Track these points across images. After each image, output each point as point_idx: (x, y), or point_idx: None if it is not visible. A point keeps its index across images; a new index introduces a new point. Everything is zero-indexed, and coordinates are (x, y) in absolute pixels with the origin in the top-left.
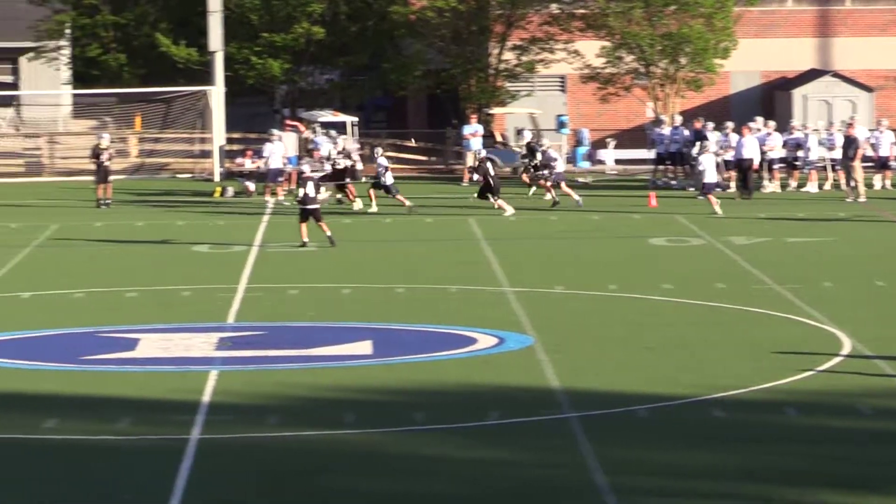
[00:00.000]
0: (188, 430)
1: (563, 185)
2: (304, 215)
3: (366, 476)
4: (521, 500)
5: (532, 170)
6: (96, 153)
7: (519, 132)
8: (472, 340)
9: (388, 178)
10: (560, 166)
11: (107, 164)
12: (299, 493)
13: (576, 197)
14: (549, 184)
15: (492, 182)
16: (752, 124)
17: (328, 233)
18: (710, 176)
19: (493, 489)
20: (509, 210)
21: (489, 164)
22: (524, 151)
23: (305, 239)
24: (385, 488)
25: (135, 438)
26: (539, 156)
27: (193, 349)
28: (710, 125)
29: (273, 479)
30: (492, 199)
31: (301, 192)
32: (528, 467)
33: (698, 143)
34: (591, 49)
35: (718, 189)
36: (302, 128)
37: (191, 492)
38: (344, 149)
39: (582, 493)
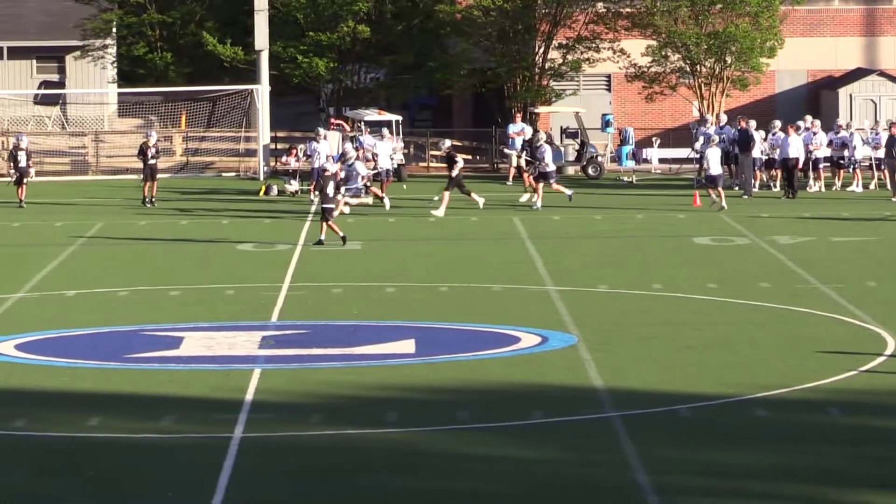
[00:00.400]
0: (231, 429)
1: (553, 183)
2: (322, 213)
3: (408, 475)
4: (564, 499)
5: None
6: (143, 151)
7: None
8: (516, 339)
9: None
10: (551, 165)
11: (152, 162)
12: (341, 491)
13: (567, 192)
14: (531, 178)
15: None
16: (800, 123)
17: (322, 236)
18: (715, 168)
19: (536, 488)
20: (480, 201)
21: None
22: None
23: (341, 233)
24: (427, 487)
25: (178, 437)
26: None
27: (237, 347)
28: (753, 123)
29: (315, 478)
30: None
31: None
32: (570, 466)
33: (701, 137)
34: (636, 48)
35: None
36: (347, 127)
37: (233, 490)
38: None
39: (624, 493)
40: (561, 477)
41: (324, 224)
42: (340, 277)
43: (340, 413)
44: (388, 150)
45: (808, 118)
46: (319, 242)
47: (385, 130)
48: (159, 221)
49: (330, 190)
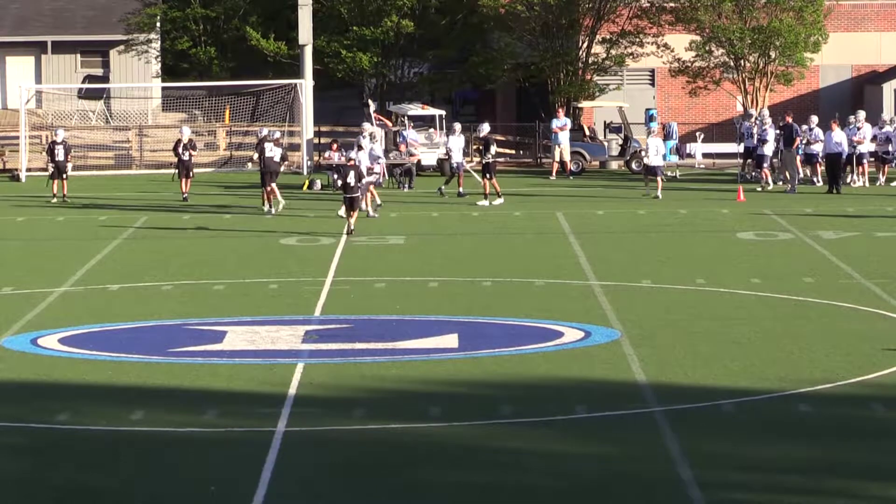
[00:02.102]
0: (274, 423)
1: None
2: (347, 203)
3: (451, 469)
4: (607, 493)
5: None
6: (176, 147)
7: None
8: (559, 334)
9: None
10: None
11: (186, 158)
12: (385, 485)
13: (495, 202)
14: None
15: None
16: (851, 118)
17: (353, 226)
18: (655, 160)
19: (579, 482)
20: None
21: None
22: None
23: (373, 214)
24: (471, 481)
25: (221, 430)
26: (493, 150)
27: (280, 342)
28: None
29: (358, 472)
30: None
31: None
32: (613, 461)
33: (651, 125)
34: (680, 43)
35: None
36: (388, 123)
37: (276, 484)
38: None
39: (667, 487)
40: (604, 471)
41: (352, 213)
42: (383, 272)
43: (383, 407)
44: (461, 145)
45: (861, 114)
46: (349, 232)
47: (457, 125)
48: (202, 215)
49: (351, 179)
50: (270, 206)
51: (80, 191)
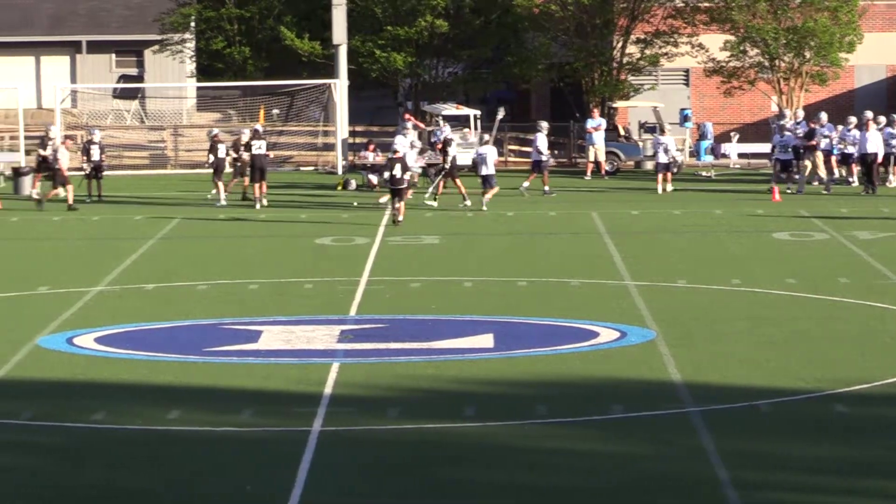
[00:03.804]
0: (310, 422)
1: (458, 180)
2: (393, 194)
3: (487, 468)
4: (642, 493)
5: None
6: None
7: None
8: (594, 334)
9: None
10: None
11: (222, 156)
12: (420, 485)
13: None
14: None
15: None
16: (881, 118)
17: (401, 216)
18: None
19: (614, 482)
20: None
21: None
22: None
23: (401, 217)
24: (506, 480)
25: (257, 430)
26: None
27: (315, 341)
28: (824, 117)
29: (394, 472)
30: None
31: (387, 174)
32: (649, 461)
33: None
34: (715, 42)
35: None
36: (421, 125)
37: (312, 483)
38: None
39: (703, 488)
40: (640, 471)
41: (399, 203)
42: (418, 271)
43: (419, 407)
44: (546, 143)
45: None
46: (396, 222)
47: (544, 123)
48: (237, 215)
49: (397, 171)
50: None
51: (116, 190)
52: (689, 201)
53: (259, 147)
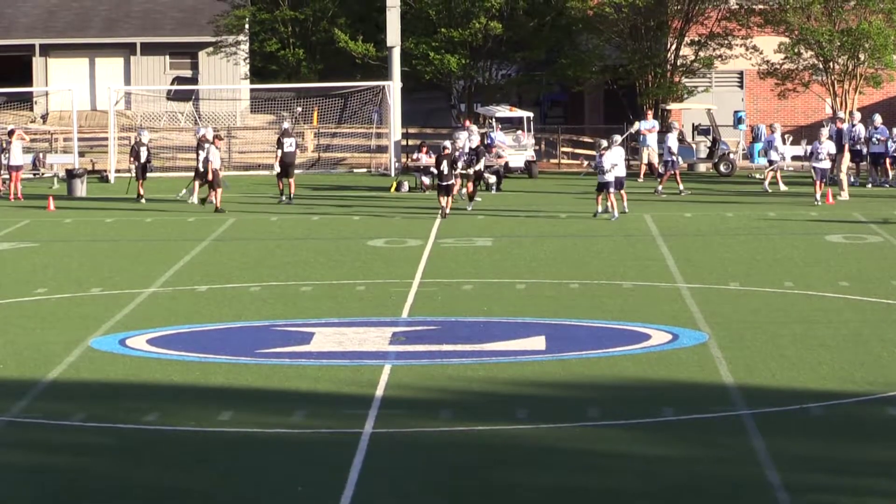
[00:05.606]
0: (361, 424)
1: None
2: (440, 190)
3: (539, 471)
4: (694, 496)
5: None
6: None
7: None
8: (646, 336)
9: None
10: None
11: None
12: (472, 487)
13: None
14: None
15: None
16: None
17: (448, 209)
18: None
19: (666, 485)
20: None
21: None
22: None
23: (447, 210)
24: (558, 483)
25: (308, 432)
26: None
27: (367, 343)
28: (857, 116)
29: (445, 474)
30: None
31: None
32: (700, 463)
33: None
34: (769, 45)
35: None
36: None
37: (363, 485)
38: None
39: (754, 490)
40: (692, 474)
41: (445, 198)
42: (471, 274)
43: (471, 409)
44: (675, 143)
45: None
46: (444, 215)
47: (675, 124)
48: (290, 217)
49: (445, 167)
50: (283, 196)
51: (169, 192)
52: (743, 203)
53: (290, 145)
